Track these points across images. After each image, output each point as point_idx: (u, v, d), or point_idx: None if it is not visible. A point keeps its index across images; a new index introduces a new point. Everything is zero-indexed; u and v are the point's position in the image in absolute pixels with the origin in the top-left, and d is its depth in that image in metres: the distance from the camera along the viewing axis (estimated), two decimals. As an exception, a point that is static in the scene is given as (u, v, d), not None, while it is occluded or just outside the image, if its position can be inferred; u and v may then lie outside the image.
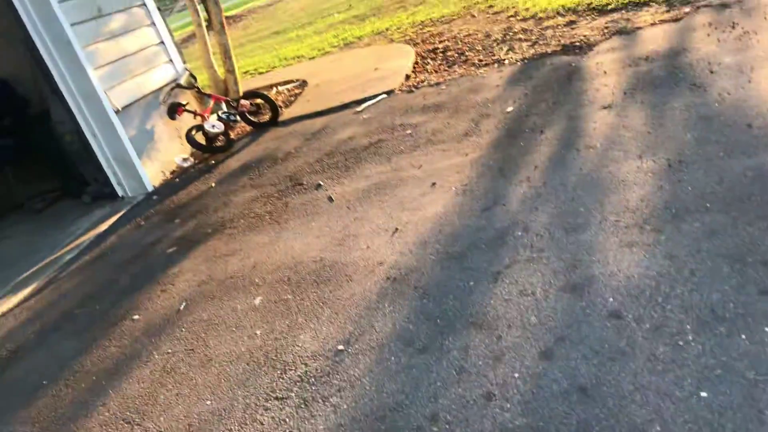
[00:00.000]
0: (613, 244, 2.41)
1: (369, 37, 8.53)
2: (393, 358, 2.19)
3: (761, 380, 1.63)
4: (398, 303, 2.50)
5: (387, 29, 8.48)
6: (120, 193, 5.16)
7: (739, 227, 2.26)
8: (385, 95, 5.47)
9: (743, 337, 1.78)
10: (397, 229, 3.10)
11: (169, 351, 2.70)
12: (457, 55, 5.97)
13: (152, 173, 5.26)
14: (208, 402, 2.28)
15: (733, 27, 4.21)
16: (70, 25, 4.67)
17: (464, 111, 4.43)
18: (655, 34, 4.60)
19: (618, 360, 1.85)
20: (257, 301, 2.89)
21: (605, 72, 4.20)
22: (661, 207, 2.54)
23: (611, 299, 2.12)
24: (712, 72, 3.64)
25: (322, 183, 4.04)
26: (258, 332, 2.63)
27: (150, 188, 5.15)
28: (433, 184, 3.47)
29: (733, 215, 2.34)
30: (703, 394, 1.64)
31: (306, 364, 2.32)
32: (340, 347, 2.35)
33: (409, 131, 4.42)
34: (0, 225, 5.63)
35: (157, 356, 2.69)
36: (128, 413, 2.36)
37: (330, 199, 3.76)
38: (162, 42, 5.80)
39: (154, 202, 4.83)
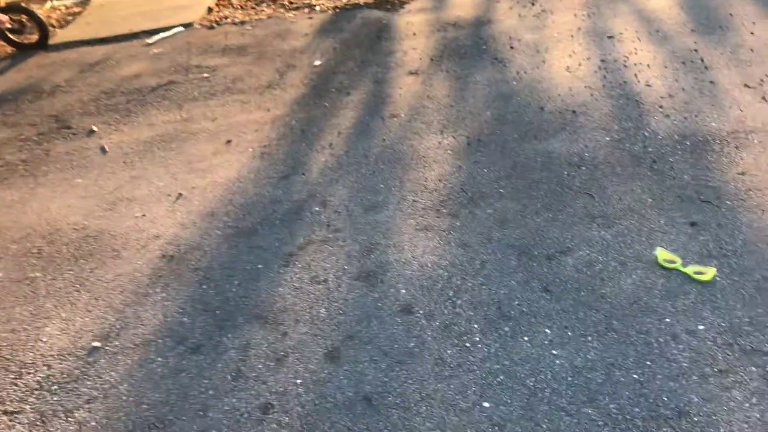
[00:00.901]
0: (409, 227, 2.32)
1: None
2: (160, 359, 1.88)
3: (540, 389, 1.63)
4: (173, 288, 2.16)
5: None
6: None
7: (528, 217, 2.29)
8: (182, 28, 4.83)
9: (526, 339, 1.79)
10: (181, 194, 2.71)
11: None
12: (267, -9, 5.47)
13: None
14: None
15: (533, 3, 4.35)
16: None
17: (269, 59, 4.05)
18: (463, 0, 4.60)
19: (406, 363, 1.76)
20: (-6, 279, 2.33)
21: (414, 34, 4.10)
22: (458, 189, 2.50)
23: (404, 291, 2.02)
24: (512, 48, 3.71)
25: (95, 128, 3.43)
26: (-11, 323, 2.12)
27: None
28: (228, 141, 3.10)
29: (524, 203, 2.37)
30: (486, 404, 1.60)
31: (49, 366, 1.90)
32: (96, 344, 1.96)
33: (205, 75, 3.94)
34: None
35: None
36: None
37: (103, 150, 3.19)
38: None
39: None
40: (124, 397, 1.76)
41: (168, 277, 2.22)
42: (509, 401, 1.60)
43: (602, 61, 3.39)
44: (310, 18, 4.67)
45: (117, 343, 1.95)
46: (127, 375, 1.83)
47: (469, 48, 3.79)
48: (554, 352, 1.73)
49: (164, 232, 2.47)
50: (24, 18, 4.96)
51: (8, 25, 4.80)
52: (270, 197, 2.61)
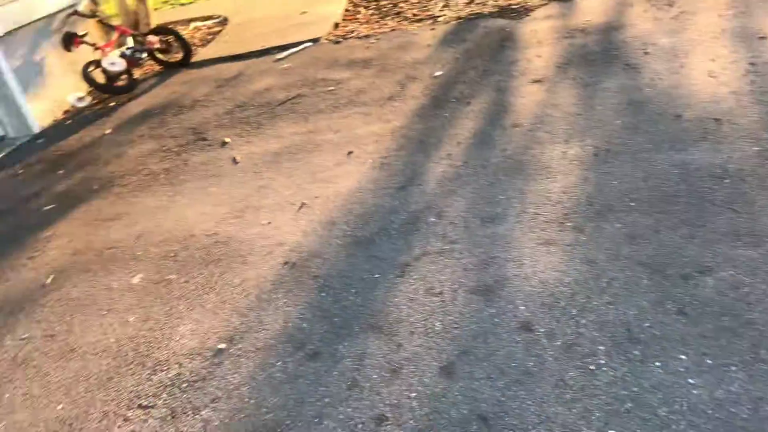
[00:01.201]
0: (530, 240, 2.22)
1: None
2: (279, 363, 1.93)
3: (674, 420, 1.48)
4: (294, 294, 2.23)
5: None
6: (0, 132, 4.54)
7: (661, 232, 2.11)
8: (310, 43, 5.05)
9: (658, 364, 1.63)
10: (304, 203, 2.80)
11: (25, 336, 2.33)
12: (391, 5, 5.58)
13: (40, 112, 4.66)
14: (60, 407, 1.95)
15: (671, 5, 4.05)
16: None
17: (391, 71, 4.11)
18: (592, 5, 4.39)
19: (524, 383, 1.67)
20: (136, 279, 2.54)
21: (539, 41, 3.97)
22: (583, 201, 2.36)
23: (523, 307, 1.93)
24: (646, 53, 3.47)
25: (228, 140, 3.65)
26: (131, 319, 2.30)
27: (36, 129, 4.57)
28: (350, 153, 3.17)
29: (656, 217, 2.19)
30: (611, 433, 1.48)
31: (180, 365, 2.03)
32: (222, 345, 2.06)
33: (331, 88, 4.07)
34: None
35: (9, 342, 2.32)
36: (-36, 414, 2.00)
37: (234, 160, 3.39)
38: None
39: (39, 147, 4.28)
40: (246, 399, 1.83)
41: (290, 283, 2.29)
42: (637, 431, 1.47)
43: (751, 64, 3.08)
44: (433, 29, 4.68)
45: (241, 345, 2.04)
46: (248, 378, 1.91)
47: (598, 54, 3.61)
48: (691, 381, 1.57)
49: (288, 240, 2.56)
50: (171, 39, 5.42)
51: (157, 46, 5.27)
52: (388, 207, 2.62)
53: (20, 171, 3.93)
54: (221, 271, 2.46)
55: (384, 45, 4.62)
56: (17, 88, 4.48)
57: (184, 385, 1.93)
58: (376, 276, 2.23)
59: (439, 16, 4.93)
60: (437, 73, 3.88)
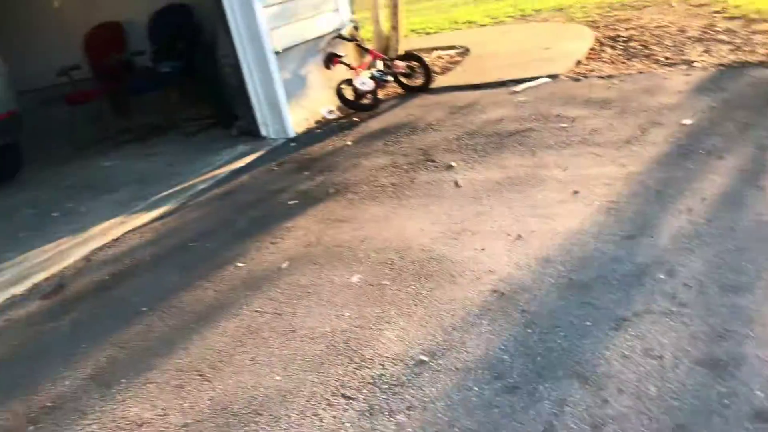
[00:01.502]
0: (781, 321, 1.93)
1: (548, 12, 7.93)
2: (476, 388, 1.93)
3: None
4: (499, 324, 2.21)
5: (570, 6, 7.82)
6: (263, 132, 5.25)
7: None
8: (548, 79, 5.01)
9: None
10: (520, 236, 2.78)
11: (259, 309, 2.65)
12: (640, 47, 5.30)
13: (297, 119, 5.29)
14: (278, 378, 2.18)
15: None
16: (248, -39, 4.73)
17: (633, 113, 3.89)
18: None
19: (752, 481, 1.45)
20: (355, 278, 2.74)
21: (822, 98, 3.45)
22: None
23: (761, 394, 1.68)
24: None
25: (454, 164, 3.77)
26: (347, 314, 2.49)
27: (291, 134, 5.18)
28: (576, 192, 3.07)
29: None
30: None
31: (383, 366, 2.13)
32: (424, 357, 2.13)
33: (564, 125, 3.99)
34: (156, 141, 6.02)
35: (246, 312, 2.66)
36: (204, 365, 2.34)
37: (457, 184, 3.49)
38: (332, -11, 5.74)
39: (291, 149, 4.86)
40: (439, 415, 1.86)
41: (496, 312, 2.29)
42: None
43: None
44: (687, 75, 4.34)
45: (441, 362, 2.09)
46: (444, 394, 1.94)
47: None
48: None
49: (499, 269, 2.56)
50: (415, 65, 5.78)
51: (402, 70, 5.67)
52: (611, 255, 2.48)
53: (275, 168, 4.50)
54: (431, 287, 2.55)
55: (628, 86, 4.40)
56: (283, 96, 5.13)
57: (385, 386, 2.03)
58: (588, 324, 2.12)
59: (695, 62, 4.55)
60: (686, 121, 3.58)
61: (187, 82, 6.02)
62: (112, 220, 3.99)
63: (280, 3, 5.16)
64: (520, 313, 2.25)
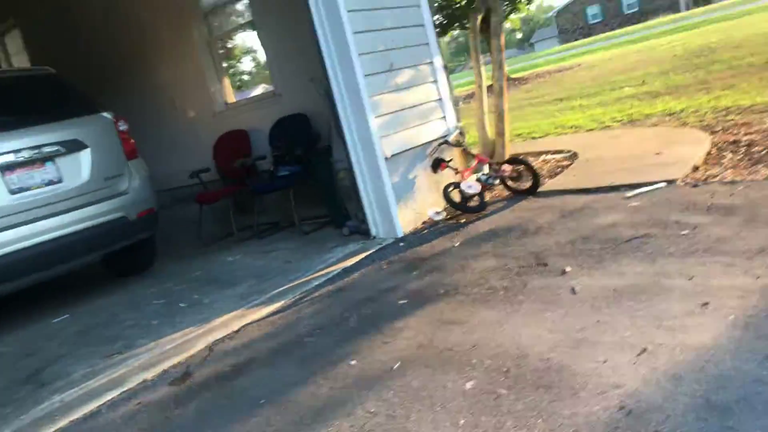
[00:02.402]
0: None
1: (658, 116, 7.86)
2: None
3: None
4: (629, 444, 2.08)
5: (681, 111, 7.72)
6: (373, 232, 5.45)
7: None
8: (663, 184, 4.89)
9: None
10: (645, 349, 2.64)
11: (372, 410, 2.66)
12: (765, 151, 5.09)
13: (405, 220, 5.47)
14: (393, 484, 2.15)
15: None
16: (363, 76, 5.14)
17: (764, 221, 3.69)
18: None
19: None
20: (469, 385, 2.69)
21: None
22: None
23: None
24: None
25: (568, 269, 3.71)
26: (461, 422, 2.44)
27: (400, 234, 5.34)
28: (705, 304, 2.90)
29: None
30: None
31: (503, 481, 2.05)
32: (547, 475, 2.02)
33: (685, 231, 3.84)
34: (274, 238, 6.40)
35: (360, 412, 2.67)
36: (319, 464, 2.35)
37: (573, 290, 3.41)
38: (440, 99, 6.06)
39: (400, 249, 4.99)
40: None
41: (625, 430, 2.15)
42: None
43: None
44: (820, 181, 4.10)
45: (566, 481, 1.97)
46: None
47: None
48: None
49: (624, 384, 2.43)
50: (522, 168, 5.87)
51: (509, 174, 5.76)
52: (753, 375, 2.29)
53: (384, 267, 4.62)
54: (551, 398, 2.45)
55: (754, 193, 4.21)
56: (392, 198, 5.36)
57: (506, 503, 1.94)
58: (732, 451, 1.94)
59: (829, 167, 4.30)
60: (826, 231, 3.35)
61: (304, 184, 6.44)
62: (233, 313, 4.22)
63: (391, 113, 5.51)
64: (652, 433, 2.11)
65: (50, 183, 4.90)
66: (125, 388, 3.38)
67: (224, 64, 7.95)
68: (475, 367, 2.84)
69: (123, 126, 5.52)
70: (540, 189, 5.65)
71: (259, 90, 7.96)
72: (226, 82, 7.94)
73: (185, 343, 3.84)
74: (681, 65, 12.83)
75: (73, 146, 5.06)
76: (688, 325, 2.75)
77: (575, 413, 2.32)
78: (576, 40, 52.94)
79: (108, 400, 3.29)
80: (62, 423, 3.14)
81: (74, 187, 5.01)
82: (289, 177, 6.36)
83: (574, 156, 6.76)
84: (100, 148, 5.25)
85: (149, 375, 3.48)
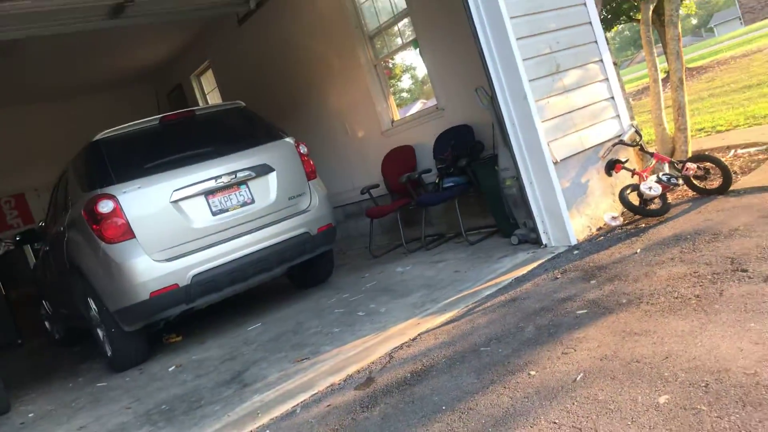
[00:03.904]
0: None
1: None
2: None
3: None
4: None
5: None
6: (544, 241, 5.32)
7: None
8: None
9: None
10: None
11: (556, 421, 2.60)
12: None
13: (578, 227, 5.26)
14: (585, 498, 2.08)
15: None
16: (528, 81, 5.07)
17: None
18: None
19: None
20: (662, 399, 2.52)
21: None
22: None
23: None
24: None
25: (775, 275, 3.31)
26: (657, 438, 2.29)
27: (573, 241, 5.15)
28: None
29: None
30: None
31: (711, 504, 1.89)
32: (764, 502, 1.83)
33: None
34: (441, 248, 6.52)
35: (543, 422, 2.62)
36: (504, 472, 2.35)
37: (783, 298, 3.04)
38: (612, 97, 5.77)
39: (574, 257, 4.81)
40: None
41: None
42: None
43: None
44: None
45: None
46: None
47: None
48: None
49: None
50: (709, 165, 5.36)
51: (694, 172, 5.29)
52: None
53: (558, 276, 4.49)
54: (761, 417, 2.21)
55: None
56: (563, 204, 5.18)
57: None
58: None
59: None
60: None
61: (470, 195, 6.48)
62: (408, 321, 4.37)
63: (559, 116, 5.35)
64: None
65: (244, 204, 5.48)
66: (315, 391, 3.66)
67: (388, 84, 8.28)
68: (668, 380, 2.65)
69: (303, 149, 6.01)
70: (732, 187, 5.11)
71: (417, 105, 8.18)
72: (392, 100, 8.26)
73: (366, 350, 4.05)
74: None
75: (262, 170, 5.62)
76: None
77: (794, 435, 2.07)
78: (765, 18, 46.97)
79: (301, 402, 3.58)
80: (264, 420, 3.48)
81: (264, 207, 5.55)
82: (454, 188, 6.44)
83: (771, 148, 6.02)
84: (285, 171, 5.77)
85: (336, 379, 3.72)
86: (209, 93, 12.61)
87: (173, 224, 5.16)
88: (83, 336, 6.70)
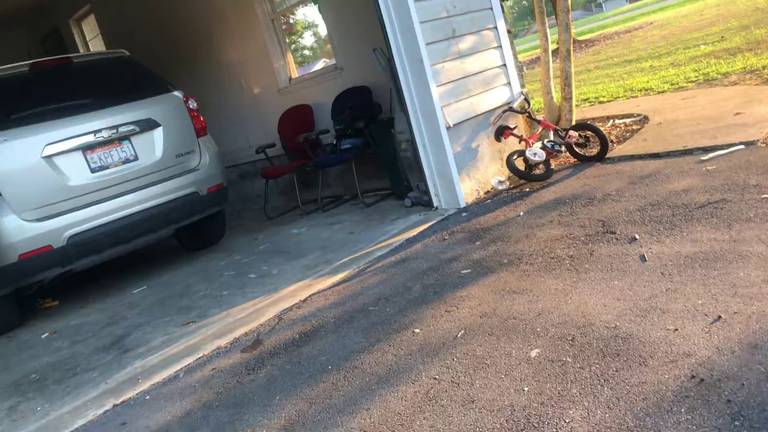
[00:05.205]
0: None
1: (737, 74, 7.41)
2: (676, 482, 1.77)
3: None
4: (699, 414, 2.02)
5: (764, 68, 7.23)
6: (435, 203, 5.45)
7: None
8: (742, 146, 4.63)
9: None
10: (720, 317, 2.55)
11: (436, 377, 2.70)
12: None
13: (467, 190, 5.43)
14: (457, 448, 2.19)
15: None
16: (425, 44, 5.09)
17: None
18: None
19: None
20: (534, 353, 2.68)
21: None
22: None
23: None
24: None
25: (637, 236, 3.59)
26: (526, 389, 2.44)
27: (462, 204, 5.31)
28: (785, 270, 2.76)
29: None
30: None
31: (568, 447, 2.04)
32: (614, 442, 2.00)
33: (765, 196, 3.63)
34: (338, 210, 6.51)
35: (424, 378, 2.71)
36: (385, 428, 2.42)
37: (642, 258, 3.31)
38: (504, 65, 5.93)
39: (462, 219, 4.97)
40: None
41: (695, 399, 2.10)
42: None
43: None
44: None
45: (633, 448, 1.95)
46: (639, 485, 1.80)
47: None
48: None
49: (696, 352, 2.35)
50: (589, 134, 5.69)
51: (576, 140, 5.59)
52: (837, 344, 2.17)
53: (446, 237, 4.62)
54: (618, 367, 2.41)
55: None
56: (454, 168, 5.32)
57: (570, 469, 1.94)
58: (813, 422, 1.86)
59: None
60: None
61: (366, 157, 6.48)
62: (300, 283, 4.35)
63: (453, 81, 5.43)
64: (725, 403, 2.04)
65: (127, 161, 5.16)
66: (200, 355, 3.57)
67: (287, 40, 8.02)
68: (539, 335, 2.82)
69: (192, 104, 5.72)
70: (608, 155, 5.46)
71: (320, 65, 8.03)
72: (290, 57, 8.03)
73: (255, 312, 4.00)
74: (764, 18, 11.96)
75: (147, 125, 5.30)
76: (766, 293, 2.62)
77: (643, 381, 2.27)
78: (648, -3, 50.09)
79: (185, 366, 3.49)
80: (145, 386, 3.35)
81: (149, 164, 5.25)
82: (352, 150, 6.41)
83: (644, 120, 6.48)
84: (172, 126, 5.47)
85: (222, 342, 3.65)
86: (91, 40, 11.65)
87: (46, 181, 4.76)
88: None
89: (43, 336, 4.78)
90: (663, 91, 7.89)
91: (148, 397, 3.22)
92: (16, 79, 5.08)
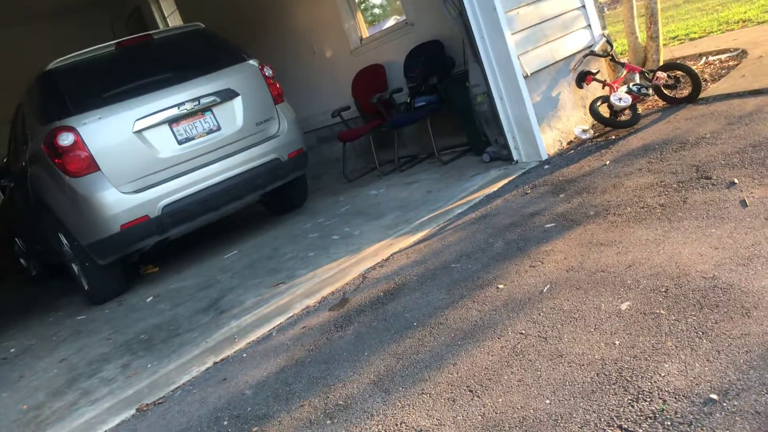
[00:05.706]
0: None
1: None
2: (785, 437, 1.69)
3: None
4: (811, 365, 1.90)
5: None
6: (515, 157, 5.31)
7: None
8: None
9: None
10: (833, 263, 2.36)
11: (523, 332, 2.68)
12: None
13: (548, 141, 5.25)
14: (547, 401, 2.18)
15: None
16: (497, -9, 4.89)
17: None
18: None
19: None
20: (624, 306, 2.60)
21: None
22: None
23: None
24: None
25: (736, 181, 3.36)
26: (617, 342, 2.38)
27: (544, 156, 5.15)
28: None
29: None
30: None
31: (664, 401, 1.99)
32: (714, 396, 1.93)
33: None
34: (415, 169, 6.50)
35: (510, 333, 2.70)
36: (472, 382, 2.44)
37: (743, 203, 3.10)
38: (583, 6, 5.61)
39: (544, 172, 4.82)
40: (738, 461, 1.67)
41: (805, 351, 1.97)
42: None
43: None
44: None
45: (736, 403, 1.87)
46: (743, 439, 1.73)
47: None
48: None
49: (806, 301, 2.20)
50: (679, 74, 5.32)
51: (664, 81, 5.25)
52: None
53: (528, 191, 4.51)
54: (717, 318, 2.30)
55: None
56: (534, 119, 5.14)
57: (668, 422, 1.89)
58: None
59: None
60: None
61: (442, 113, 6.38)
62: (382, 243, 4.41)
63: (529, 27, 5.21)
64: (840, 354, 1.91)
65: (210, 131, 5.35)
66: (291, 314, 3.72)
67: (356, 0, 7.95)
68: (630, 288, 2.73)
69: (268, 72, 5.81)
70: (701, 95, 5.10)
71: (390, 22, 7.92)
72: (360, 17, 7.96)
73: (340, 272, 4.10)
74: None
75: (226, 95, 5.45)
76: None
77: (746, 333, 2.16)
78: None
79: (277, 325, 3.65)
80: (241, 344, 3.54)
81: (231, 133, 5.43)
82: (426, 107, 6.33)
83: (742, 54, 5.97)
84: (251, 95, 5.60)
85: (311, 302, 3.78)
86: (169, 16, 12.02)
87: (138, 155, 5.03)
88: (60, 271, 6.67)
89: (147, 300, 5.13)
90: (763, 22, 7.22)
91: (245, 355, 3.40)
92: (104, 59, 5.35)
